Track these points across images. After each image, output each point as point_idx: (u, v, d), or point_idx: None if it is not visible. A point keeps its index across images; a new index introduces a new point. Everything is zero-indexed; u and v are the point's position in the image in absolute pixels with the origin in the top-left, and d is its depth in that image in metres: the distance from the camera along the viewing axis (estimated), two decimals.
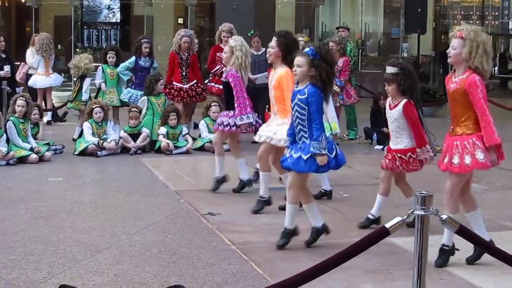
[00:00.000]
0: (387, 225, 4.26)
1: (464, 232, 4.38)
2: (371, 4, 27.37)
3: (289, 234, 6.92)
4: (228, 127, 9.07)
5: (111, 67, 13.56)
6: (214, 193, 9.24)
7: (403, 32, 23.93)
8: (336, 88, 12.68)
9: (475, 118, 6.23)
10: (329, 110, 8.57)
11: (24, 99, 11.68)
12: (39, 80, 15.31)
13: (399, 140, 7.41)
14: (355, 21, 26.61)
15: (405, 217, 4.24)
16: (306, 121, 6.63)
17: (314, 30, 25.66)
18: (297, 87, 6.78)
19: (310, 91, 6.59)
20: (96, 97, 13.48)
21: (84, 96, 13.66)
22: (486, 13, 31.60)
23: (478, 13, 31.06)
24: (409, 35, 23.85)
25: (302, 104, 6.62)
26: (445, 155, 6.40)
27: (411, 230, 4.40)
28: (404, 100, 7.32)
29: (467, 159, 6.20)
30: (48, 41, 15.95)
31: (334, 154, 6.70)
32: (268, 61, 8.58)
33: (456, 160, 6.26)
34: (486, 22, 31.76)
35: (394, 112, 7.38)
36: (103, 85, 13.54)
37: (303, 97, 6.61)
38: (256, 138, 8.45)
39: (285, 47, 8.01)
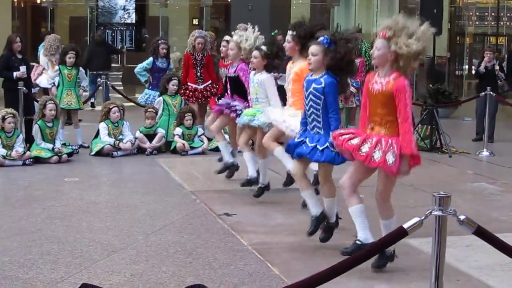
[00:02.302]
0: (405, 226, 4.24)
1: (482, 233, 4.36)
2: (386, 5, 27.30)
3: (331, 228, 6.91)
4: (234, 114, 9.16)
5: (69, 68, 13.21)
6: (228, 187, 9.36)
7: None
8: (352, 89, 12.71)
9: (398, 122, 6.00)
10: (272, 96, 8.60)
11: (53, 102, 11.74)
12: (43, 79, 15.34)
13: None
14: (370, 22, 26.55)
15: (422, 217, 4.22)
16: (320, 111, 6.59)
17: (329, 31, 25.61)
18: (311, 75, 6.74)
19: (328, 81, 6.56)
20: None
21: None
22: (502, 14, 31.42)
23: (493, 14, 30.90)
24: None
25: (317, 93, 6.58)
26: (364, 143, 6.09)
27: (427, 231, 4.39)
28: None
29: (391, 158, 5.93)
30: (53, 43, 15.93)
31: None
32: (287, 53, 8.60)
33: (377, 154, 5.98)
34: (501, 23, 31.61)
35: None
36: (53, 88, 13.44)
37: (319, 86, 6.57)
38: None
39: (302, 39, 7.91)
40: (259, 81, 8.57)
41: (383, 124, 6.08)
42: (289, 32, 8.06)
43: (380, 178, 6.20)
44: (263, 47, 8.66)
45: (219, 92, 11.77)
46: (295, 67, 7.99)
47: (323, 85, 6.56)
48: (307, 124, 6.77)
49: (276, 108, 8.37)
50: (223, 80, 10.72)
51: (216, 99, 10.23)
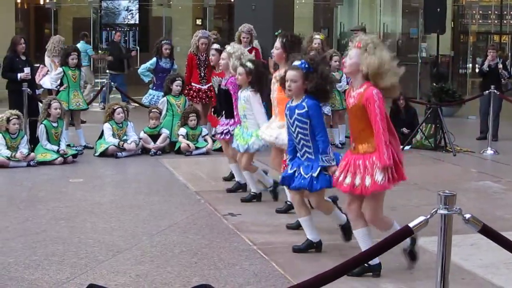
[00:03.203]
0: (410, 225, 4.23)
1: (487, 231, 4.36)
2: (390, 4, 27.27)
3: (310, 245, 6.87)
4: (228, 135, 9.13)
5: (72, 69, 13.24)
6: (231, 193, 9.33)
7: (421, 32, 23.85)
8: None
9: None
10: (257, 114, 8.53)
11: (57, 101, 11.79)
12: (46, 80, 15.32)
13: None
14: (374, 21, 26.52)
15: (428, 216, 4.22)
16: (308, 135, 6.46)
17: (332, 30, 25.62)
18: (291, 102, 6.62)
19: (310, 104, 6.43)
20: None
21: None
22: (505, 12, 31.34)
23: (496, 12, 30.84)
24: (427, 35, 23.77)
25: (302, 119, 6.44)
26: (346, 174, 5.97)
27: (432, 230, 4.39)
28: None
29: (367, 181, 5.79)
30: (56, 44, 15.93)
31: None
32: (273, 59, 8.54)
33: (357, 181, 5.85)
34: (505, 21, 31.55)
35: None
36: (62, 88, 13.35)
37: (303, 111, 6.44)
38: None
39: (289, 48, 7.86)
40: (245, 98, 8.51)
41: (363, 140, 5.91)
42: (278, 39, 7.97)
43: (365, 202, 6.07)
44: (248, 64, 8.58)
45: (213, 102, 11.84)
46: None
47: (306, 109, 6.43)
48: (296, 151, 6.65)
49: (262, 124, 8.35)
50: (216, 90, 10.64)
51: (212, 113, 10.11)
